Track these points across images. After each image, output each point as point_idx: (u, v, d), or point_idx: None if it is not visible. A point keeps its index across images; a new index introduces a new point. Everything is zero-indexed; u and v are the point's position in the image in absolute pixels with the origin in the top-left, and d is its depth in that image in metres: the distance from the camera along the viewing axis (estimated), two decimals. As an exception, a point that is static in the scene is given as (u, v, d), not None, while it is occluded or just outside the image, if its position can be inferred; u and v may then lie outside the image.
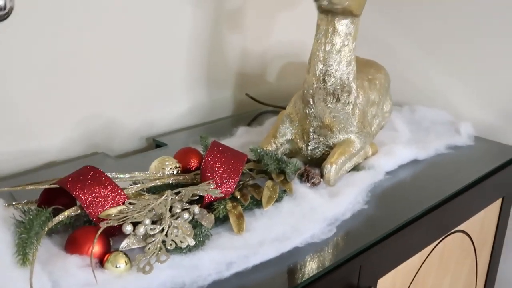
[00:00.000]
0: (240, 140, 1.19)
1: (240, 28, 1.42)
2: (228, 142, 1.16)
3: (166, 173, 0.95)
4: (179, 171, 0.96)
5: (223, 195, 0.85)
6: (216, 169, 0.88)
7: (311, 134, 1.06)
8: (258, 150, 0.99)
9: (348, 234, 0.90)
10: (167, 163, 0.96)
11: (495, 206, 1.25)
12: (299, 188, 0.97)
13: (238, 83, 1.47)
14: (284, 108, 1.35)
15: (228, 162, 0.90)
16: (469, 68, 1.38)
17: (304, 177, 1.00)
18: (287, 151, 1.10)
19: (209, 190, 0.83)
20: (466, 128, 1.31)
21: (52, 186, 0.80)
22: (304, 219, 0.88)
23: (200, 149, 1.00)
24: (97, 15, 1.13)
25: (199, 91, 1.37)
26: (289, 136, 1.09)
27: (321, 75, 1.00)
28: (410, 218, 0.97)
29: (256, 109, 1.46)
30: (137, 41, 1.22)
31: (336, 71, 1.00)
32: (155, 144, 1.24)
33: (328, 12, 0.97)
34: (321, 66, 1.00)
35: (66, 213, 0.78)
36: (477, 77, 1.37)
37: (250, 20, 1.43)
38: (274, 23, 1.50)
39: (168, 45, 1.28)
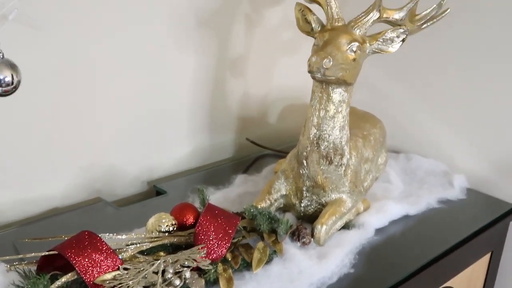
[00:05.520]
0: (237, 190, 1.23)
1: (242, 73, 1.46)
2: (226, 192, 1.22)
3: (163, 229, 0.99)
4: (175, 228, 1.00)
5: (210, 267, 0.88)
6: (209, 233, 0.92)
7: (304, 192, 1.10)
8: (251, 210, 1.02)
9: (334, 300, 0.93)
10: (163, 220, 1.00)
11: (484, 260, 1.28)
12: (289, 248, 1.00)
13: (239, 127, 1.51)
14: (283, 152, 1.40)
15: (220, 227, 0.94)
16: (464, 119, 1.41)
17: (295, 236, 1.04)
18: (282, 205, 1.14)
19: (199, 259, 0.87)
20: (459, 181, 1.34)
21: (51, 253, 0.84)
22: (291, 284, 0.92)
23: (197, 201, 1.04)
24: (98, 61, 1.17)
25: (200, 135, 1.42)
26: (283, 192, 1.12)
27: (315, 139, 1.04)
28: (395, 282, 1.00)
29: (256, 151, 1.49)
30: (138, 87, 1.26)
31: (329, 136, 1.04)
32: (155, 190, 1.28)
33: (322, 81, 1.00)
34: (315, 130, 1.04)
35: (64, 279, 0.82)
36: (472, 129, 1.40)
37: (252, 65, 1.47)
38: (275, 67, 1.54)
39: (169, 90, 1.32)
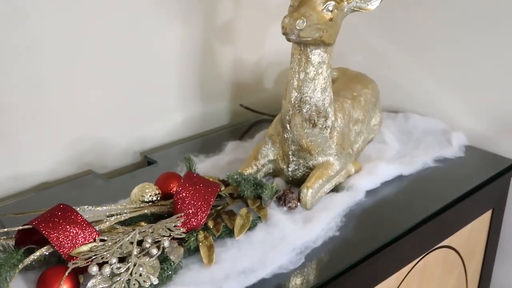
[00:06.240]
0: (227, 157, 1.22)
1: (232, 39, 1.43)
2: (215, 160, 1.21)
3: (146, 199, 0.98)
4: (159, 198, 1.00)
5: (184, 236, 0.87)
6: (187, 202, 0.91)
7: (290, 156, 1.08)
8: (235, 176, 1.01)
9: (317, 263, 0.92)
10: (146, 190, 0.99)
11: (485, 218, 1.25)
12: (275, 213, 0.99)
13: (234, 93, 1.49)
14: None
15: (199, 194, 0.92)
16: (464, 76, 1.36)
17: (282, 200, 1.03)
18: (271, 171, 1.12)
19: (173, 229, 0.86)
20: (458, 139, 1.31)
21: (26, 227, 0.84)
22: (273, 249, 0.91)
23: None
24: (83, 34, 1.16)
25: (193, 103, 1.40)
26: (271, 157, 1.10)
27: (296, 102, 1.02)
28: (385, 242, 0.98)
29: (252, 117, 1.48)
30: (126, 58, 1.25)
31: (311, 98, 1.01)
32: (147, 161, 1.28)
33: (298, 42, 0.97)
34: (296, 93, 1.01)
35: (38, 252, 0.82)
36: (472, 85, 1.36)
37: (242, 30, 1.44)
38: (268, 31, 1.50)
39: (157, 59, 1.30)
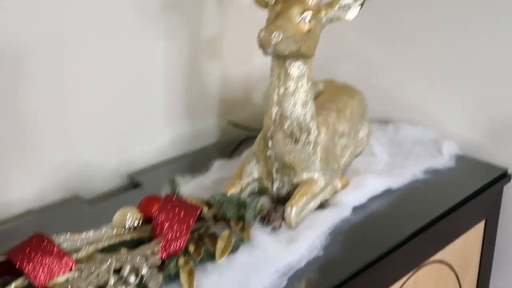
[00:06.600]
0: (213, 176, 1.20)
1: (218, 55, 1.42)
2: (200, 180, 1.19)
3: (127, 224, 0.97)
4: (141, 222, 0.98)
5: (158, 263, 0.86)
6: (166, 226, 0.90)
7: (274, 174, 1.06)
8: (217, 198, 0.99)
9: (300, 285, 0.90)
10: (128, 215, 0.98)
11: (478, 229, 1.23)
12: (258, 234, 0.97)
13: (223, 110, 1.47)
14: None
15: (178, 218, 0.91)
16: (454, 83, 1.34)
17: (266, 220, 1.01)
18: (256, 189, 1.10)
19: (150, 256, 0.84)
20: (449, 148, 1.29)
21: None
22: (255, 272, 0.89)
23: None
24: (67, 54, 1.15)
25: (180, 122, 1.39)
26: (256, 175, 1.09)
27: (277, 117, 1.00)
28: (371, 259, 0.96)
29: (242, 134, 1.46)
30: (110, 78, 1.23)
31: (291, 114, 1.00)
32: (133, 183, 1.26)
33: (276, 56, 0.96)
34: (276, 109, 1.00)
35: (14, 284, 0.81)
36: (462, 93, 1.34)
37: (228, 46, 1.43)
38: (255, 46, 1.48)
39: (141, 78, 1.29)
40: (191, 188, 1.15)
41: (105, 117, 1.25)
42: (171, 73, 1.34)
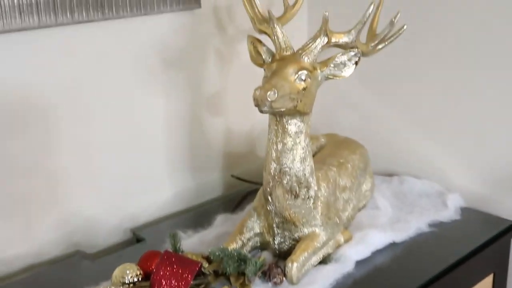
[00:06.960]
0: (215, 231, 1.20)
1: (221, 110, 1.44)
2: (202, 235, 1.19)
3: (127, 281, 0.96)
4: (140, 278, 0.98)
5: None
6: (164, 283, 0.89)
7: (275, 229, 1.05)
8: (217, 253, 0.99)
9: None
10: (127, 272, 0.98)
11: (486, 283, 1.20)
12: (259, 290, 0.96)
13: (226, 163, 1.48)
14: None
15: (177, 275, 0.90)
16: (457, 135, 1.34)
17: (267, 276, 1.00)
18: (258, 244, 1.10)
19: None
20: (454, 200, 1.28)
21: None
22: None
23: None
24: (67, 111, 1.17)
25: (183, 176, 1.39)
26: (257, 230, 1.08)
27: (276, 173, 1.00)
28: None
29: (245, 188, 1.46)
30: (113, 134, 1.25)
31: (290, 169, 1.00)
32: (136, 238, 1.26)
33: (272, 113, 0.97)
34: (275, 165, 1.00)
35: None
36: (466, 145, 1.33)
37: (231, 101, 1.45)
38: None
39: (143, 134, 1.30)
40: (193, 242, 1.14)
41: (108, 172, 1.26)
42: (174, 128, 1.35)
